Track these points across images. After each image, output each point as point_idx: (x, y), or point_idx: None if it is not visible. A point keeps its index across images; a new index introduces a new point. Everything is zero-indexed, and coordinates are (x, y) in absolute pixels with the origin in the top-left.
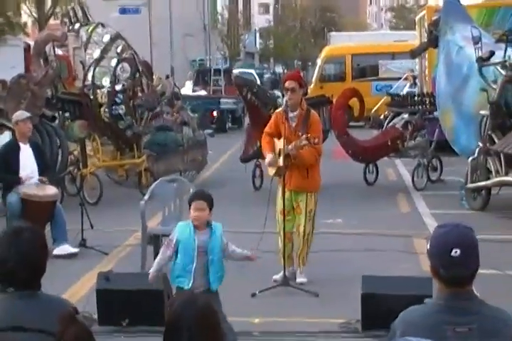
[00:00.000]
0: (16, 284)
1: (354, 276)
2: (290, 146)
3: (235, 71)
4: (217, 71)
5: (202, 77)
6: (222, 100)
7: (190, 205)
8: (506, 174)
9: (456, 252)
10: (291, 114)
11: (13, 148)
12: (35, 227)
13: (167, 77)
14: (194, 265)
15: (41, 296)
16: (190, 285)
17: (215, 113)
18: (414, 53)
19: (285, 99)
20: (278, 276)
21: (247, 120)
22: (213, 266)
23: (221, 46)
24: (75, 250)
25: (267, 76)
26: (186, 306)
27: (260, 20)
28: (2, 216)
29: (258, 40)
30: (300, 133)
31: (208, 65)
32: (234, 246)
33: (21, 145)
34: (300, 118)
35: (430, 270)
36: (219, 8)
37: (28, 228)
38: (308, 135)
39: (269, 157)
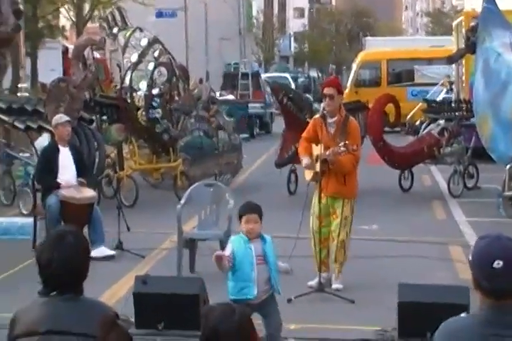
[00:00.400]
0: (58, 288)
1: (389, 283)
2: (328, 152)
3: (264, 75)
4: (245, 75)
5: (229, 81)
6: (250, 105)
7: (240, 217)
8: None
9: (498, 264)
10: (329, 120)
11: (52, 151)
12: (79, 231)
13: (200, 80)
14: (256, 273)
15: (83, 300)
16: (255, 293)
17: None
18: (451, 59)
19: (323, 105)
20: (313, 282)
21: (275, 125)
22: (273, 271)
23: (256, 50)
24: (112, 252)
25: (301, 80)
26: (223, 320)
27: (295, 24)
28: (42, 218)
29: (293, 44)
30: (338, 140)
31: (243, 69)
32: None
33: (61, 148)
34: (339, 125)
35: (472, 281)
36: (254, 12)
37: (71, 232)
38: (347, 142)
39: (305, 160)
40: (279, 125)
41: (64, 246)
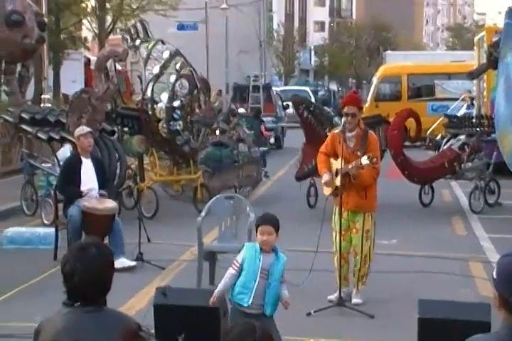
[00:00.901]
0: (82, 299)
1: (409, 299)
2: (351, 165)
3: (283, 88)
4: (256, 88)
5: (239, 93)
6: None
7: (257, 228)
8: None
9: None
10: (348, 134)
11: (75, 162)
12: (102, 243)
13: (219, 92)
14: (256, 283)
15: (106, 311)
16: (249, 302)
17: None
18: (473, 75)
19: (343, 120)
20: (333, 296)
21: (286, 140)
22: (270, 289)
23: (276, 63)
24: (133, 263)
25: (321, 93)
26: (247, 333)
27: (315, 38)
28: (63, 228)
29: (313, 58)
30: (359, 153)
31: (263, 82)
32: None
33: (83, 159)
34: (358, 139)
35: (495, 299)
36: (275, 26)
37: (94, 243)
38: (370, 154)
39: (325, 177)
40: (290, 139)
41: (87, 258)
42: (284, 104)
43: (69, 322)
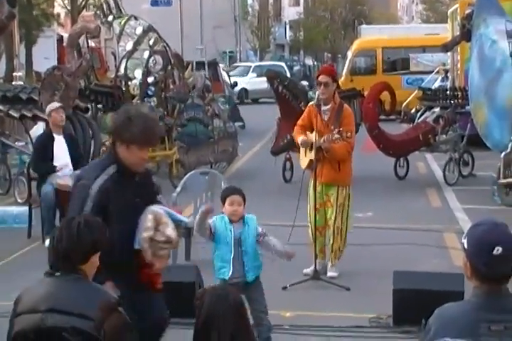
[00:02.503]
0: (65, 267)
1: (384, 271)
2: (322, 139)
3: (259, 63)
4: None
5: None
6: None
7: (224, 200)
8: None
9: (498, 250)
10: (323, 108)
11: (47, 139)
12: (94, 217)
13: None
14: (232, 255)
15: (86, 283)
16: (229, 274)
17: None
18: (446, 47)
19: (317, 93)
20: (309, 270)
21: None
22: (247, 256)
23: (251, 38)
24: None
25: (296, 68)
26: (218, 302)
27: (290, 12)
28: (37, 206)
29: (288, 32)
30: (332, 127)
31: (238, 57)
32: (275, 239)
33: (55, 136)
34: (333, 112)
35: (466, 267)
36: (249, 0)
37: (85, 216)
38: (341, 129)
39: (300, 138)
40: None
41: (73, 226)
42: (233, 81)
43: (48, 291)
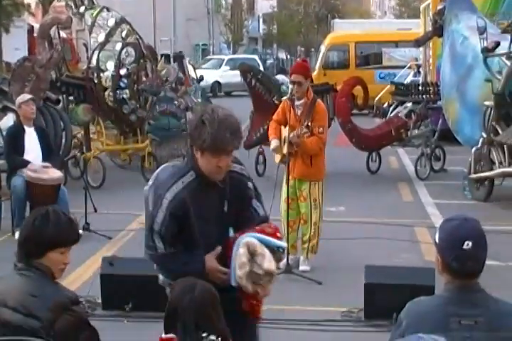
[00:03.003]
0: (21, 261)
1: (356, 265)
2: (292, 134)
3: (232, 56)
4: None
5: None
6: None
7: None
8: (509, 165)
9: (468, 245)
10: (297, 102)
11: (17, 131)
12: (58, 210)
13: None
14: None
15: (44, 281)
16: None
17: None
18: (418, 42)
19: (291, 87)
20: (281, 264)
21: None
22: None
23: (224, 31)
24: (79, 232)
25: (269, 61)
26: (185, 291)
27: (264, 6)
28: (7, 199)
29: (262, 26)
30: (304, 122)
31: (211, 50)
32: None
33: (26, 128)
34: (305, 107)
35: (438, 262)
36: None
37: (52, 209)
38: (309, 124)
39: (273, 143)
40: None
41: (33, 218)
42: (199, 75)
43: (7, 285)
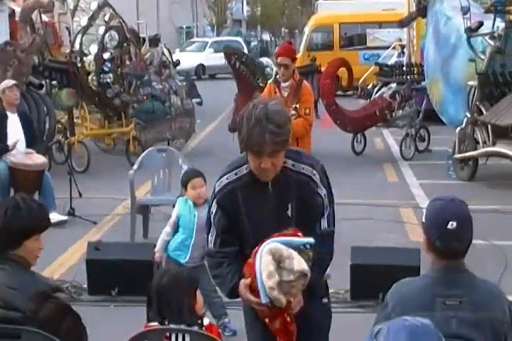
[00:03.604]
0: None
1: (342, 246)
2: None
3: (216, 39)
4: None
5: None
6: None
7: (186, 184)
8: (493, 144)
9: (452, 225)
10: (283, 85)
11: (0, 117)
12: (29, 199)
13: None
14: (193, 240)
15: (21, 273)
16: (186, 259)
17: None
18: (402, 23)
19: (275, 70)
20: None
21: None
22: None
23: (208, 13)
24: (65, 217)
25: (254, 43)
26: (162, 275)
27: None
28: None
29: (245, 8)
30: (290, 104)
31: (194, 33)
32: None
33: (9, 114)
34: (291, 89)
35: (424, 242)
36: None
37: (21, 197)
38: (297, 105)
39: None
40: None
41: (4, 206)
42: (175, 59)
43: None
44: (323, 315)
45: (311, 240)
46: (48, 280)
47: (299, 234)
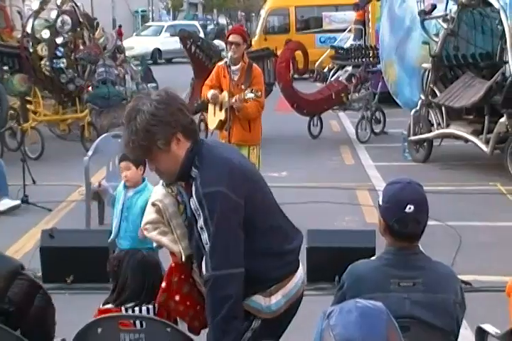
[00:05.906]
0: None
1: (300, 229)
2: (234, 98)
3: (172, 23)
4: None
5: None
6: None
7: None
8: (447, 126)
9: (410, 208)
10: (233, 67)
11: None
12: None
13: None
14: (118, 220)
15: None
16: (118, 244)
17: None
18: (358, 6)
19: (229, 53)
20: None
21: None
22: (126, 223)
23: None
24: (17, 202)
25: (210, 27)
26: (126, 255)
27: None
28: None
29: None
30: (243, 87)
31: (150, 17)
32: None
33: None
34: (242, 72)
35: (380, 224)
36: None
37: None
38: (253, 88)
39: (210, 92)
40: None
41: None
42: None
43: None
44: None
45: None
46: (13, 258)
47: None
